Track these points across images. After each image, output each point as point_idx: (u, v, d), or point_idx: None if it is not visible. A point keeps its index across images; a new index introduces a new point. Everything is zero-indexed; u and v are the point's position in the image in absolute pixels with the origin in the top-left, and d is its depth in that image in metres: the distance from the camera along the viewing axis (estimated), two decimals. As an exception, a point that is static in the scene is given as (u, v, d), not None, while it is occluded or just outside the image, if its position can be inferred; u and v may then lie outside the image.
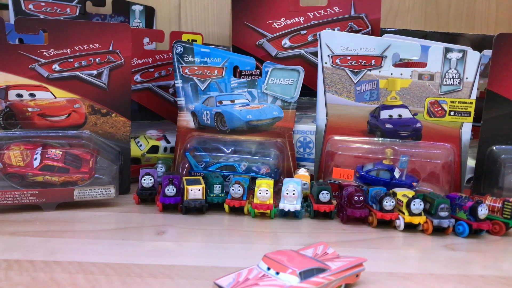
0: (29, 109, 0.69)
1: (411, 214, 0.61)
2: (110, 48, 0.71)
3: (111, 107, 0.73)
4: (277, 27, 0.87)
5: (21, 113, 0.69)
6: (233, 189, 0.65)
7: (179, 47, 0.76)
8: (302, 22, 0.87)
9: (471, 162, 0.73)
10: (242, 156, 0.75)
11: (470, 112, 0.70)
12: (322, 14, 0.86)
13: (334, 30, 0.85)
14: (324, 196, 0.65)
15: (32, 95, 0.70)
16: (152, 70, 0.90)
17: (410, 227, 0.62)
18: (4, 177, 0.66)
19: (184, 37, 0.93)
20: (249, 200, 0.67)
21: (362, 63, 0.72)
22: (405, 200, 0.62)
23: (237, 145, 0.76)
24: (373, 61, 0.72)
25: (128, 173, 0.75)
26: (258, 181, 0.66)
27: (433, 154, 0.72)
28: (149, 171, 0.69)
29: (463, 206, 0.61)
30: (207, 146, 0.77)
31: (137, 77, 0.89)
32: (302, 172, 0.74)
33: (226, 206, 0.67)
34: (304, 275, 0.41)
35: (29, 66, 0.69)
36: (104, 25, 0.73)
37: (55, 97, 0.71)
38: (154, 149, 0.85)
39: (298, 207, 0.64)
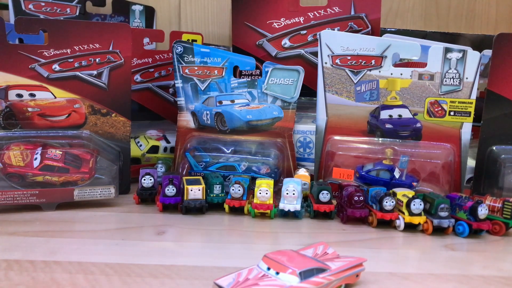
0: (29, 109, 0.69)
1: (411, 214, 0.61)
2: (110, 48, 0.71)
3: (111, 107, 0.73)
4: (277, 27, 0.87)
5: (21, 113, 0.69)
6: (233, 189, 0.65)
7: (179, 47, 0.76)
8: (302, 22, 0.87)
9: (471, 162, 0.73)
10: (242, 156, 0.75)
11: (470, 112, 0.70)
12: (322, 14, 0.86)
13: (334, 30, 0.85)
14: (324, 196, 0.65)
15: (32, 95, 0.70)
16: (152, 70, 0.90)
17: (410, 227, 0.62)
18: (4, 177, 0.66)
19: (184, 37, 0.93)
20: (249, 200, 0.67)
21: (362, 63, 0.72)
22: (405, 200, 0.62)
23: (237, 145, 0.76)
24: (373, 61, 0.72)
25: (128, 173, 0.75)
26: (258, 181, 0.66)
27: (433, 154, 0.72)
28: (149, 171, 0.69)
29: (463, 206, 0.61)
30: (207, 146, 0.76)
31: (137, 77, 0.89)
32: (302, 172, 0.74)
33: (226, 206, 0.67)
34: (304, 275, 0.41)
35: (29, 66, 0.69)
36: (104, 25, 0.73)
37: (55, 97, 0.71)
38: (154, 149, 0.85)
39: (298, 207, 0.64)
